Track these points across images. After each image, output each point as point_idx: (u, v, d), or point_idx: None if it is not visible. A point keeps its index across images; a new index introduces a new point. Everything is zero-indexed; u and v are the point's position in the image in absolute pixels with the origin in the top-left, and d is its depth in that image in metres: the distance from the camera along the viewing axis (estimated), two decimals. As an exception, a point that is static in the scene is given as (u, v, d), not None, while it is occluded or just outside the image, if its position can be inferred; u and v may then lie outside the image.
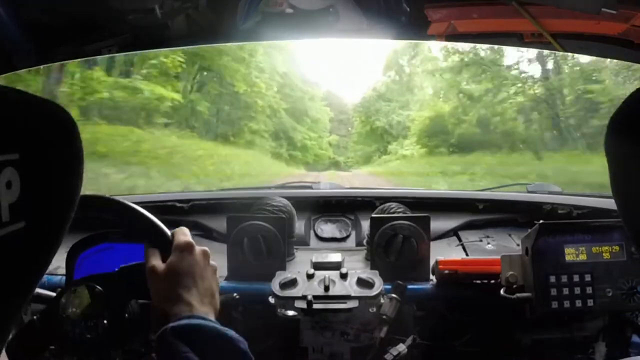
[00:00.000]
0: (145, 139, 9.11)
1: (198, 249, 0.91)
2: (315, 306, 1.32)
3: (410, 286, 1.41)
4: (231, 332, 0.78)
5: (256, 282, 1.44)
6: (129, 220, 0.96)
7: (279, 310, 1.32)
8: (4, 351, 0.48)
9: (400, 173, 12.55)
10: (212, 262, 0.93)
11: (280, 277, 1.39)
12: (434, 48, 14.65)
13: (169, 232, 0.94)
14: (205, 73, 12.20)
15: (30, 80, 6.82)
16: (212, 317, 0.83)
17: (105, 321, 0.96)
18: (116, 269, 1.00)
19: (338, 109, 16.30)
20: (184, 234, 0.92)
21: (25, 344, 0.93)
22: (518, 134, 11.59)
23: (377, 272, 1.43)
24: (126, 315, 0.97)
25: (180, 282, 0.85)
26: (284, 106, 14.38)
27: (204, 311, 0.82)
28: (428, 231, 1.52)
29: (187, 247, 0.89)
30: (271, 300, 1.36)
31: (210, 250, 0.92)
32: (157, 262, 0.89)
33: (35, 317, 0.97)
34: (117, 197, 0.99)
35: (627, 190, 0.58)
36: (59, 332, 0.96)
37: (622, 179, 0.58)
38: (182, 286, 0.85)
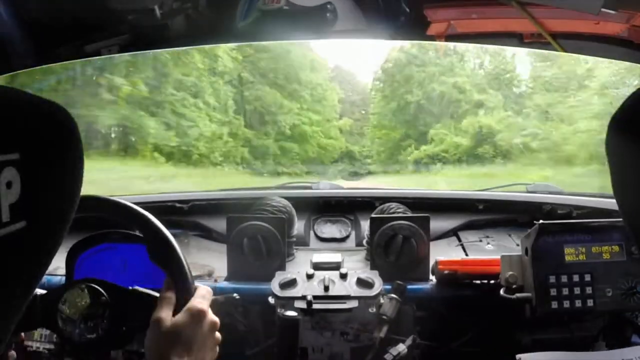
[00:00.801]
0: None
1: (209, 318, 0.90)
2: (315, 306, 1.32)
3: (410, 286, 1.41)
4: None
5: (256, 282, 1.44)
6: (163, 254, 0.95)
7: (278, 310, 1.32)
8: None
9: None
10: (217, 334, 0.93)
11: (280, 277, 1.39)
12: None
13: (192, 289, 0.93)
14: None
15: None
16: None
17: (105, 321, 0.96)
18: (130, 287, 0.99)
19: (349, 87, 10.86)
20: (202, 297, 0.92)
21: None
22: None
23: (377, 272, 1.43)
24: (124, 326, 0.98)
25: (176, 347, 0.86)
26: (234, 55, 8.43)
27: None
28: (428, 231, 1.52)
29: (199, 314, 0.89)
30: (271, 300, 1.36)
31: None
32: (166, 314, 0.89)
33: (38, 294, 0.97)
34: (126, 202, 0.98)
35: (628, 189, 0.58)
36: (59, 332, 0.96)
37: (624, 179, 0.58)
38: (176, 353, 0.85)
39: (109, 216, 1.00)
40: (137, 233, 1.11)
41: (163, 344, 0.86)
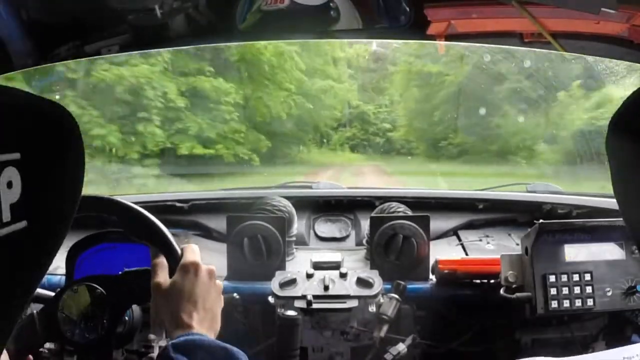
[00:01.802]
0: None
1: (204, 268, 0.90)
2: (314, 306, 1.32)
3: (410, 286, 1.41)
4: (231, 347, 0.79)
5: (256, 282, 1.45)
6: (141, 229, 0.95)
7: (278, 310, 1.32)
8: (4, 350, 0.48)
9: None
10: (218, 281, 0.92)
11: (280, 276, 1.39)
12: None
13: (179, 249, 0.93)
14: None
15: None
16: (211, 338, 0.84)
17: (105, 321, 0.96)
18: (120, 272, 0.99)
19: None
20: (192, 252, 0.92)
21: (22, 337, 0.93)
22: None
23: (376, 271, 1.43)
24: (126, 317, 0.98)
25: (182, 304, 0.85)
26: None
27: (203, 332, 0.83)
28: (428, 231, 1.52)
29: (193, 267, 0.89)
30: (271, 300, 1.36)
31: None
32: (163, 277, 0.89)
33: (35, 311, 0.97)
34: (122, 199, 0.99)
35: (628, 189, 0.58)
36: (59, 333, 0.96)
37: (623, 179, 0.58)
38: (183, 309, 0.85)
39: (121, 222, 1.00)
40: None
41: (168, 306, 0.86)
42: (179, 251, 0.92)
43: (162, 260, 0.91)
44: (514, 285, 1.34)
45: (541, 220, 1.32)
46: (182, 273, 0.88)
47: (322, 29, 1.19)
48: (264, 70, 4.55)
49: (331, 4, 1.15)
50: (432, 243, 1.55)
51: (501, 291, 1.35)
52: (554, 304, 1.29)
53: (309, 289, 1.36)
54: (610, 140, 0.58)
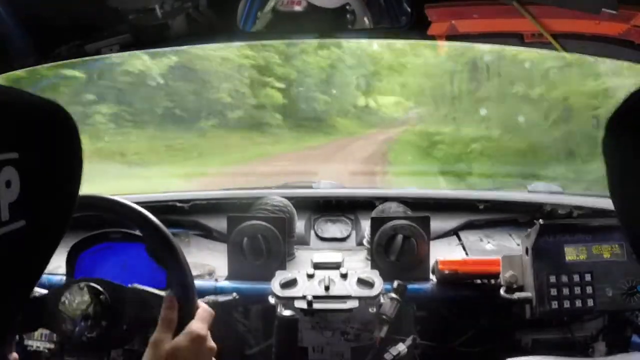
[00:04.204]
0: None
1: (207, 344, 0.90)
2: (315, 306, 1.32)
3: (410, 286, 1.41)
4: None
5: (256, 282, 1.44)
6: (172, 273, 0.94)
7: (278, 310, 1.32)
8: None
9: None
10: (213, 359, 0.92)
11: (280, 277, 1.39)
12: None
13: (195, 309, 0.93)
14: None
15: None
16: None
17: (105, 321, 0.96)
18: (129, 285, 0.99)
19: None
20: (203, 320, 0.91)
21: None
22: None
23: (377, 272, 1.43)
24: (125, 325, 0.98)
25: None
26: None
27: None
28: (428, 231, 1.52)
29: (199, 339, 0.89)
30: (271, 300, 1.36)
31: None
32: (165, 336, 0.88)
33: (36, 294, 0.97)
34: (132, 204, 0.98)
35: (624, 191, 0.58)
36: (59, 332, 0.96)
37: (620, 180, 0.58)
38: None
39: (111, 216, 1.00)
40: (137, 232, 1.11)
41: None
42: (194, 312, 0.92)
43: (173, 318, 0.89)
44: (514, 286, 1.34)
45: (542, 221, 1.32)
46: (185, 341, 0.88)
47: (338, 30, 1.19)
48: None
49: (347, 7, 1.15)
50: (432, 243, 1.55)
51: (501, 291, 1.35)
52: (554, 304, 1.29)
53: (309, 289, 1.36)
54: (608, 140, 0.58)
